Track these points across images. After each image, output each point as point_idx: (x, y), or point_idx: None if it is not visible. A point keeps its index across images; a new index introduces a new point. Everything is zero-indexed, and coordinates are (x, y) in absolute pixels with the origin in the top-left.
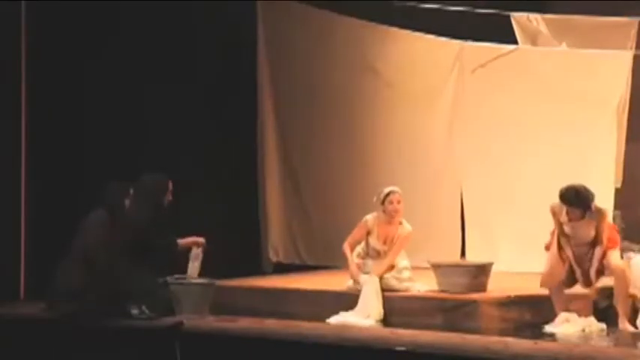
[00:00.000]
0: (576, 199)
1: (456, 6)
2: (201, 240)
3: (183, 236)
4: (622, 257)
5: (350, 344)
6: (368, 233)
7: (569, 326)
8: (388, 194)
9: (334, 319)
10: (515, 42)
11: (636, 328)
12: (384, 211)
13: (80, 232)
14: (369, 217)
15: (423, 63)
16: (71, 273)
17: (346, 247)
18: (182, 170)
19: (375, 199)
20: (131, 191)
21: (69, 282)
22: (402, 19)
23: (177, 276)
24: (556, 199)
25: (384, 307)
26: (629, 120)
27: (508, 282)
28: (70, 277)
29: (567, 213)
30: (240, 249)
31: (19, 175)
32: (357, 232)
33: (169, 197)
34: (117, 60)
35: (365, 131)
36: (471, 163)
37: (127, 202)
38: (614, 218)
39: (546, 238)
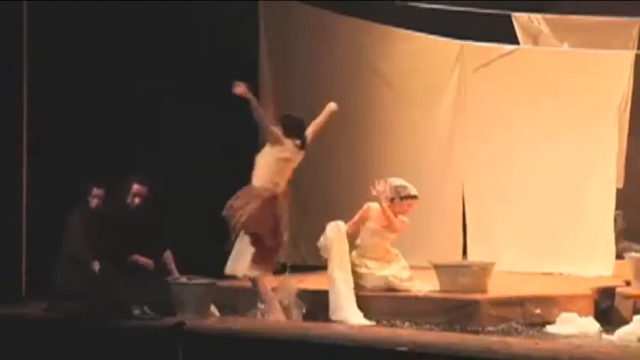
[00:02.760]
0: (292, 125)
1: (457, 6)
2: (149, 263)
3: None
4: (623, 257)
5: (351, 344)
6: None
7: (570, 327)
8: (413, 196)
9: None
10: (516, 42)
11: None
12: (394, 200)
13: (64, 232)
14: (373, 205)
15: (424, 63)
16: (69, 273)
17: (350, 229)
18: (182, 170)
19: (394, 184)
20: (99, 191)
21: (69, 282)
22: (403, 19)
23: (178, 276)
24: (557, 199)
25: (385, 308)
26: (630, 120)
27: (509, 282)
28: (69, 277)
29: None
30: None
31: (21, 175)
32: (358, 219)
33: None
34: (117, 59)
35: (366, 131)
36: (472, 162)
37: (95, 200)
38: (615, 218)
39: (547, 238)
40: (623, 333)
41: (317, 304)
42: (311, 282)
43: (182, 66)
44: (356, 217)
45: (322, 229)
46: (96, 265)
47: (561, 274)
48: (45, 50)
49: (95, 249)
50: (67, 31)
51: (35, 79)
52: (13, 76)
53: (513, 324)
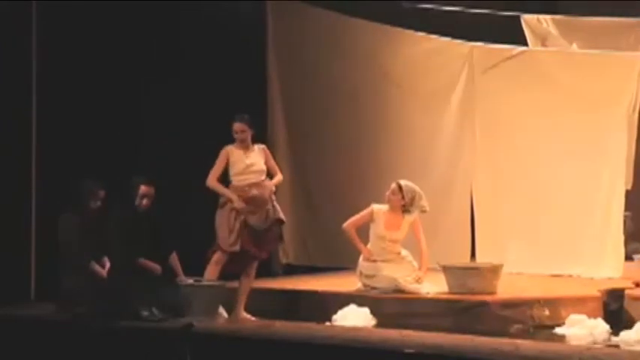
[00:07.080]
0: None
1: (465, 7)
2: (157, 268)
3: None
4: (632, 259)
5: (359, 346)
6: (372, 220)
7: (579, 328)
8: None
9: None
10: (525, 43)
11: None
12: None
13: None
14: (376, 206)
15: (432, 64)
16: (74, 275)
17: (350, 227)
18: (190, 170)
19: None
20: (101, 192)
21: (75, 284)
22: (411, 21)
23: (187, 278)
24: (566, 201)
25: (394, 309)
26: (639, 121)
27: (518, 283)
28: (75, 278)
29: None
30: None
31: (30, 177)
32: (360, 217)
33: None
34: (125, 59)
35: (375, 132)
36: (481, 164)
37: (95, 202)
38: (624, 220)
39: (556, 240)
40: (626, 336)
41: (321, 305)
42: (312, 284)
43: (190, 66)
44: (357, 216)
45: (332, 231)
46: (94, 266)
47: (570, 275)
48: (55, 49)
49: (94, 251)
50: (77, 31)
51: (45, 78)
52: (23, 75)
53: (522, 326)
